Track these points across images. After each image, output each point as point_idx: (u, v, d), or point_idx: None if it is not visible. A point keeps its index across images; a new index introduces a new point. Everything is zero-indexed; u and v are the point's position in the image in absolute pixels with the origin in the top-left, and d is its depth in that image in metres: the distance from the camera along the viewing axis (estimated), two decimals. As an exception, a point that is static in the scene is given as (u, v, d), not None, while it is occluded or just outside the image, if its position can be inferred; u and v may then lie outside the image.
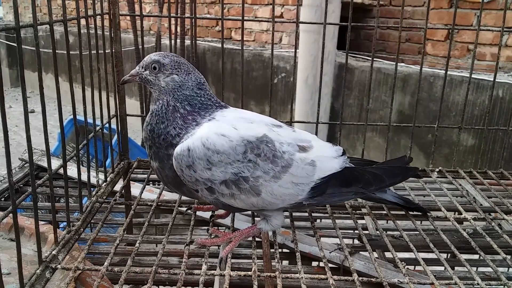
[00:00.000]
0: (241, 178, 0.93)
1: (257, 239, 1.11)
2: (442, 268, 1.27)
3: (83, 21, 1.15)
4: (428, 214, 1.24)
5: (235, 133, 0.94)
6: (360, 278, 0.93)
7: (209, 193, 0.96)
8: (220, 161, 0.92)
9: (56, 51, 0.94)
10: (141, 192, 1.29)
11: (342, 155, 1.08)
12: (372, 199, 1.20)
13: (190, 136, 0.94)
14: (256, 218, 1.19)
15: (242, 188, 0.94)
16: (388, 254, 1.36)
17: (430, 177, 1.51)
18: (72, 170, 1.45)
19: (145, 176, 1.60)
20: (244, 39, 1.48)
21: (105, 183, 1.33)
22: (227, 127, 0.95)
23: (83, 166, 1.46)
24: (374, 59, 1.48)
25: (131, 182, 1.55)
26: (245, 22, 1.42)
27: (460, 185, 1.52)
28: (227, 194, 0.95)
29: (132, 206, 1.22)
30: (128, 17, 5.40)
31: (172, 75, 0.99)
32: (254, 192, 0.95)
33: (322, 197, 1.03)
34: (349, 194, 1.08)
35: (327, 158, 1.04)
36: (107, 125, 1.37)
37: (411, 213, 1.25)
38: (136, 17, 3.37)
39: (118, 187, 1.40)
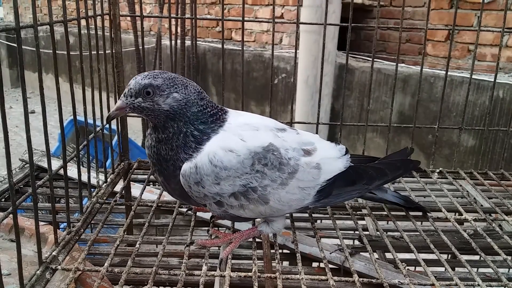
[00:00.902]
0: (249, 189, 0.92)
1: (257, 239, 1.11)
2: (442, 269, 1.26)
3: (83, 22, 1.15)
4: (428, 214, 1.23)
5: (242, 145, 0.92)
6: (361, 279, 0.92)
7: (218, 206, 0.95)
8: (228, 176, 0.91)
9: (56, 51, 0.94)
10: (141, 193, 1.29)
11: (345, 154, 1.08)
12: (373, 199, 1.20)
13: (199, 153, 0.91)
14: (256, 220, 1.19)
15: (251, 198, 0.93)
16: (388, 255, 1.36)
17: (431, 177, 1.51)
18: (72, 171, 1.44)
19: (146, 176, 1.60)
20: (245, 39, 1.48)
21: (105, 184, 1.32)
22: (234, 139, 0.93)
23: (83, 166, 1.46)
24: (375, 59, 1.47)
25: (131, 182, 1.55)
26: (245, 22, 1.42)
27: (461, 186, 1.52)
28: (236, 206, 0.94)
29: (132, 207, 1.21)
30: (129, 18, 5.40)
31: (171, 94, 0.90)
32: (263, 200, 0.95)
33: (328, 199, 1.03)
34: (354, 192, 1.08)
35: (331, 159, 1.04)
36: (107, 125, 1.37)
37: (411, 213, 1.25)
38: (137, 17, 3.37)
39: (118, 187, 1.40)
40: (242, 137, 0.94)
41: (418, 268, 1.47)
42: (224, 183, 0.91)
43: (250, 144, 0.93)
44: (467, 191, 1.57)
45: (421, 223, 1.39)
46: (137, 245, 1.01)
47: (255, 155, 0.92)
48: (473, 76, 1.53)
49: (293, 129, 1.07)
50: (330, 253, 1.24)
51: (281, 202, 0.97)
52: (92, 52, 1.22)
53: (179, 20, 4.75)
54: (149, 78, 0.90)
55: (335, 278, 0.92)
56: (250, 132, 0.96)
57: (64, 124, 1.11)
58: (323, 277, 0.93)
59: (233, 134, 0.94)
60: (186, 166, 0.91)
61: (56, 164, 1.60)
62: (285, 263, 1.41)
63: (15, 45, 0.77)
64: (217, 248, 1.23)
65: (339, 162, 1.05)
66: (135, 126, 4.88)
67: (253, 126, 0.98)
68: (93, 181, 1.25)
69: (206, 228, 1.17)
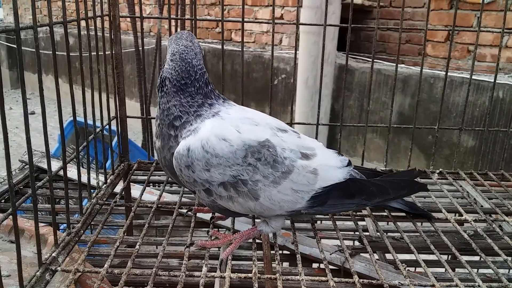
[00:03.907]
0: (239, 181, 0.92)
1: (257, 240, 1.11)
2: (442, 270, 1.26)
3: (83, 23, 1.15)
4: (433, 219, 1.22)
5: (237, 136, 0.93)
6: (361, 280, 0.92)
7: (207, 195, 0.95)
8: (219, 164, 0.91)
9: (56, 52, 0.94)
10: (141, 194, 1.29)
11: (347, 166, 1.05)
12: (377, 204, 1.19)
13: (192, 133, 0.93)
14: (256, 220, 1.19)
15: (240, 191, 0.93)
16: (388, 256, 1.35)
17: (431, 178, 1.51)
18: (72, 172, 1.45)
19: (145, 178, 1.60)
20: (244, 40, 1.48)
21: (105, 185, 1.32)
22: (230, 129, 0.94)
23: (83, 167, 1.46)
24: (374, 60, 1.48)
25: (131, 183, 1.55)
26: (245, 23, 1.42)
27: (461, 186, 1.52)
28: (225, 197, 0.94)
29: (132, 208, 1.21)
30: (128, 19, 5.40)
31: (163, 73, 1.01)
32: (252, 196, 0.94)
33: (323, 208, 1.01)
34: (351, 205, 1.06)
35: (331, 167, 1.02)
36: (107, 126, 1.37)
37: (412, 215, 1.24)
38: (136, 18, 3.37)
39: (118, 188, 1.40)
40: (238, 128, 0.95)
41: (418, 269, 1.47)
42: (214, 170, 0.92)
43: (245, 136, 0.94)
44: (467, 192, 1.57)
45: (421, 224, 1.39)
46: (137, 246, 1.01)
47: (248, 147, 0.93)
48: (473, 77, 1.53)
49: (296, 132, 1.05)
50: (330, 254, 1.24)
51: (271, 201, 0.96)
52: (92, 53, 1.22)
53: (179, 21, 4.75)
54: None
55: (335, 279, 0.92)
56: (248, 126, 0.96)
57: (64, 125, 1.11)
58: (323, 278, 0.93)
59: (230, 125, 0.95)
60: (180, 148, 0.93)
61: (55, 165, 1.60)
62: (285, 264, 1.41)
63: (15, 46, 0.77)
64: (217, 249, 1.23)
65: (339, 172, 1.03)
66: (135, 127, 4.87)
67: (254, 121, 0.98)
68: (93, 182, 1.25)
69: (206, 229, 1.17)
